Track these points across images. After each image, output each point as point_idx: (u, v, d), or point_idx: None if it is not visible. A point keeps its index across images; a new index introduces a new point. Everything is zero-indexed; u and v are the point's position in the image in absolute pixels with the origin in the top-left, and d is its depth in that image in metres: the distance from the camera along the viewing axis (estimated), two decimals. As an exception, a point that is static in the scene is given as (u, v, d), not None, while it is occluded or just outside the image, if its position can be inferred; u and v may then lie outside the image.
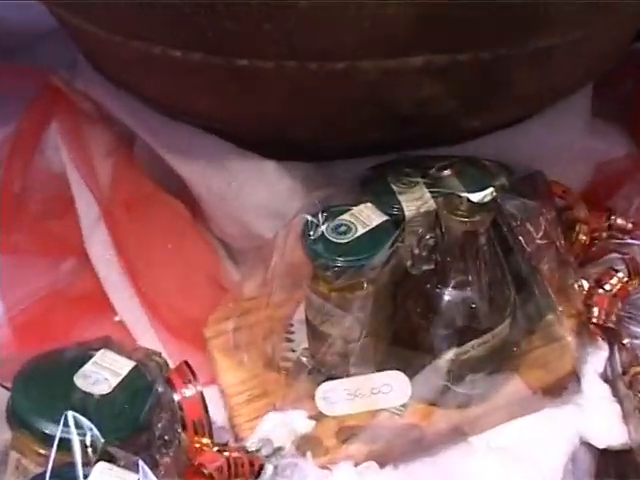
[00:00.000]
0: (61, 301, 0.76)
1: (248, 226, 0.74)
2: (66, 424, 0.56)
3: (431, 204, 0.66)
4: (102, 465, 0.55)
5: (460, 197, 0.64)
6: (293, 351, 0.70)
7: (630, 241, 0.76)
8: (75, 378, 0.59)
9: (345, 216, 0.66)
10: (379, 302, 0.65)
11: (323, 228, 0.65)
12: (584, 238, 0.74)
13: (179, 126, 0.75)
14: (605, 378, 0.70)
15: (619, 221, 0.76)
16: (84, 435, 0.56)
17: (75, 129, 0.80)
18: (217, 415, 0.67)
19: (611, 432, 0.67)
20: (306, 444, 0.64)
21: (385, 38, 0.62)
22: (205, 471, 0.58)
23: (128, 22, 0.65)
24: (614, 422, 0.68)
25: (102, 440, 0.56)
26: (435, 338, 0.65)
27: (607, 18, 0.68)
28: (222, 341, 0.71)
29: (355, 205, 0.67)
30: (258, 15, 0.61)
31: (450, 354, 0.65)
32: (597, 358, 0.70)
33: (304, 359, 0.68)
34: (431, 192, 0.67)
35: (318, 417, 0.64)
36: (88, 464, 0.55)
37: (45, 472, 0.55)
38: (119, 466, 0.55)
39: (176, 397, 0.61)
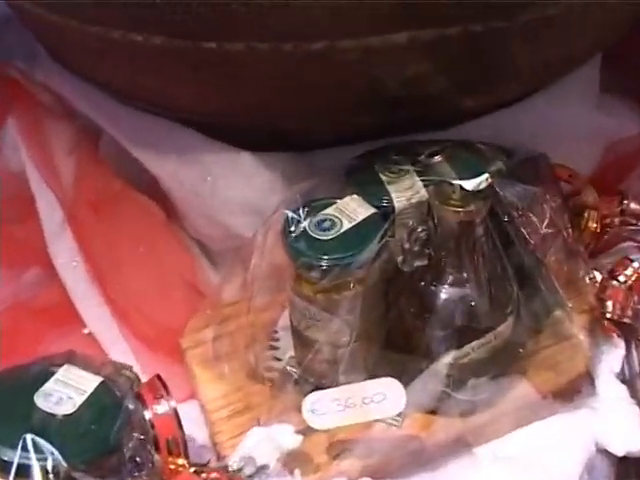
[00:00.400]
0: (25, 314, 0.76)
1: (225, 224, 0.74)
2: (25, 448, 0.56)
3: (423, 194, 0.66)
4: (66, 492, 0.55)
5: (452, 185, 0.64)
6: (278, 360, 0.70)
7: (645, 227, 0.76)
8: (35, 397, 0.59)
9: (329, 210, 0.66)
10: (369, 303, 0.65)
11: (305, 224, 0.65)
12: (594, 225, 0.74)
13: (147, 118, 0.74)
14: (622, 378, 0.70)
15: (632, 205, 0.76)
16: (45, 460, 0.56)
17: (35, 124, 0.80)
18: (197, 433, 0.67)
19: (630, 437, 0.67)
20: (294, 461, 0.64)
21: (365, 14, 0.62)
22: (181, 494, 0.58)
23: (83, 5, 0.65)
24: (633, 426, 0.68)
25: (65, 465, 0.56)
26: (431, 340, 0.65)
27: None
28: (201, 352, 0.71)
29: (340, 198, 0.67)
30: (226, -8, 0.61)
31: (449, 357, 0.65)
32: (612, 357, 0.70)
33: (290, 368, 0.68)
34: (423, 181, 0.67)
35: (306, 431, 0.64)
36: (50, 491, 0.55)
37: (3, 502, 0.55)
38: (85, 492, 0.55)
39: (147, 414, 0.61)
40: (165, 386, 0.62)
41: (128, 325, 0.73)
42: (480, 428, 0.67)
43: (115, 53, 0.67)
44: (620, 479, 0.68)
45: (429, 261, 0.65)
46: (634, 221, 0.76)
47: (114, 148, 0.78)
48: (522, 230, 0.67)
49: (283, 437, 0.64)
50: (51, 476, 0.55)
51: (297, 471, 0.63)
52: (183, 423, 0.62)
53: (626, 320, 0.70)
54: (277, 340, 0.71)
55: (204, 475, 0.59)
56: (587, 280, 0.71)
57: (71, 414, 0.59)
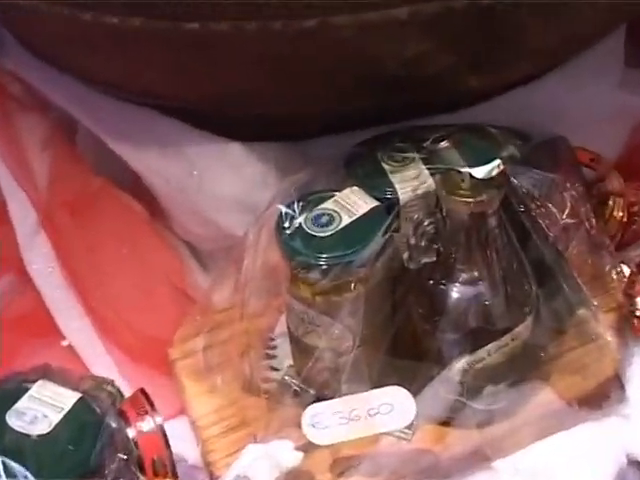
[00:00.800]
0: (-2, 325, 0.76)
1: (214, 222, 0.74)
2: (-4, 472, 0.56)
3: (430, 184, 0.66)
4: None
5: (461, 173, 0.64)
6: (275, 370, 0.70)
7: (678, 215, 0.75)
8: (7, 417, 0.59)
9: (327, 204, 0.66)
10: (372, 305, 0.65)
11: (301, 220, 0.65)
12: (620, 214, 0.74)
13: (127, 108, 0.75)
14: (655, 382, 0.70)
15: (662, 191, 0.76)
16: (17, 484, 0.56)
17: (4, 118, 0.80)
18: (188, 452, 0.68)
19: (665, 447, 0.67)
20: (294, 480, 0.64)
21: (361, -14, 0.62)
22: (168, 518, 0.58)
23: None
24: (668, 435, 0.68)
25: (39, 489, 0.56)
26: (442, 344, 0.65)
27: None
28: (191, 362, 0.71)
29: (339, 190, 0.67)
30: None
31: (462, 363, 0.65)
32: (644, 359, 0.70)
33: (288, 379, 0.68)
34: (429, 169, 0.67)
35: (307, 448, 0.64)
36: (24, 518, 0.55)
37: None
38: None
39: (131, 432, 0.61)
40: (150, 401, 0.62)
41: (110, 335, 0.74)
42: (499, 440, 0.67)
43: (88, 38, 0.67)
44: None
45: (438, 257, 0.65)
46: (665, 209, 0.76)
47: (92, 142, 0.78)
48: (540, 221, 0.67)
49: (282, 454, 0.64)
50: (25, 502, 0.55)
51: (298, 491, 0.64)
52: (172, 441, 0.62)
53: (658, 318, 0.70)
54: (274, 348, 0.71)
55: (194, 497, 0.60)
56: (614, 275, 0.71)
57: (47, 434, 0.59)
